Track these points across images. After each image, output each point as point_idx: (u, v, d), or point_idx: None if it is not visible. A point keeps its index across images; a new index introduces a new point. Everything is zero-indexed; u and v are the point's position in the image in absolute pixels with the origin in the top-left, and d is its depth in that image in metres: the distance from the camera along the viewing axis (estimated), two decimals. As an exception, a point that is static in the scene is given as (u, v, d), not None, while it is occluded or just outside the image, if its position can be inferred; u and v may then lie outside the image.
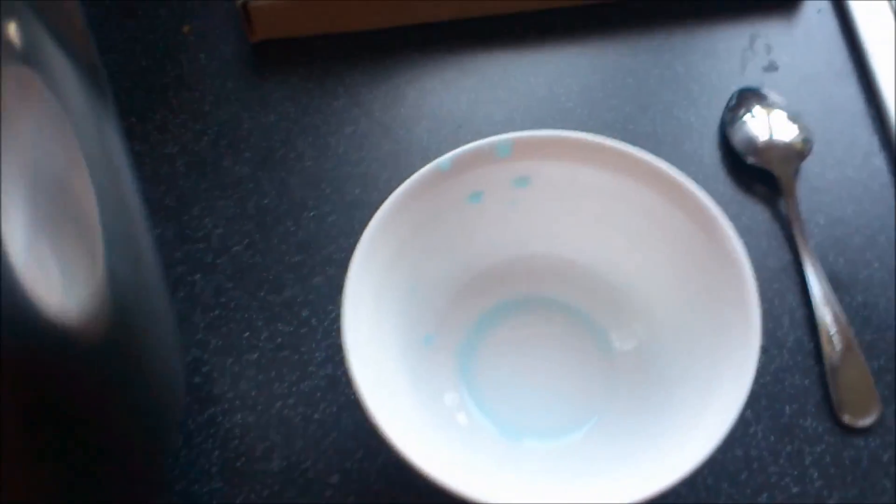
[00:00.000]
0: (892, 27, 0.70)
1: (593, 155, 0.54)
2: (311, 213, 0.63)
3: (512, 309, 0.58)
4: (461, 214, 0.56)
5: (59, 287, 0.28)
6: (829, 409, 0.55)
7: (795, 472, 0.53)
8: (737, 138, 0.65)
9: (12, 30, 0.24)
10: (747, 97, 0.67)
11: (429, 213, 0.54)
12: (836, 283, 0.59)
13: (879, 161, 0.65)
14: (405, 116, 0.68)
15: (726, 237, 0.51)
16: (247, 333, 0.59)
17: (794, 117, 0.66)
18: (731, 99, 0.67)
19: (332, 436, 0.55)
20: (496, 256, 0.58)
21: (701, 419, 0.47)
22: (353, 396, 0.56)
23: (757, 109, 0.66)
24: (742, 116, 0.66)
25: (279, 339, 0.58)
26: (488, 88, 0.69)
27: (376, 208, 0.52)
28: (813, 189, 0.63)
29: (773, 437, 0.54)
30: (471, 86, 0.69)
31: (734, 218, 0.62)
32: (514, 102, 0.68)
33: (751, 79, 0.69)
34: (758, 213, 0.62)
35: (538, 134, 0.55)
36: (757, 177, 0.64)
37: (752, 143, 0.64)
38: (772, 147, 0.64)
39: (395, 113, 0.68)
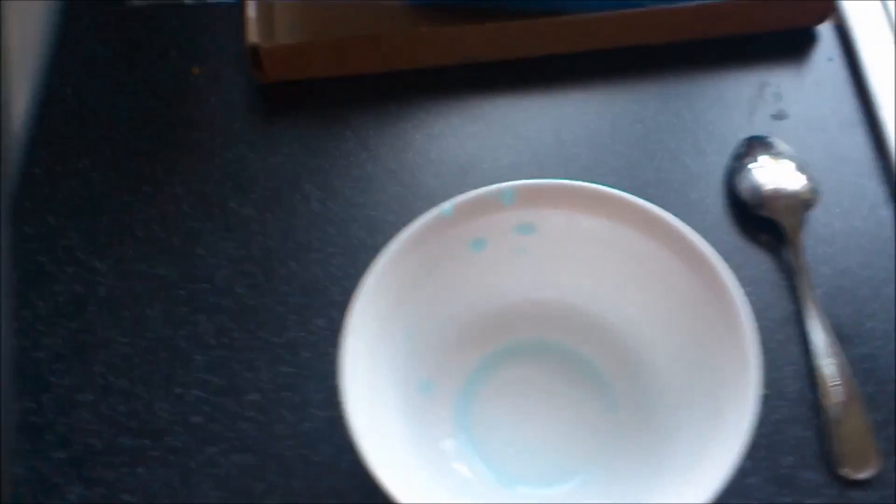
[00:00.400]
0: (902, 77, 0.70)
1: (596, 203, 0.55)
2: (316, 256, 0.63)
3: (512, 354, 0.58)
4: (464, 261, 0.56)
5: None
6: (829, 462, 0.54)
7: (794, 526, 0.53)
8: (742, 187, 0.65)
9: None
10: (755, 146, 0.67)
11: (431, 259, 0.54)
12: (840, 335, 0.59)
13: (886, 212, 0.64)
14: (412, 161, 0.68)
15: (726, 290, 0.50)
16: (248, 374, 0.59)
17: (801, 167, 0.65)
18: (738, 147, 0.67)
19: (330, 478, 0.55)
20: (498, 302, 0.58)
21: (698, 469, 0.47)
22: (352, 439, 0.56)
23: (764, 158, 0.66)
24: (748, 165, 0.65)
25: (280, 380, 0.58)
26: (495, 134, 0.69)
27: (380, 251, 0.52)
28: (819, 239, 0.63)
29: (771, 489, 0.54)
30: (477, 131, 0.70)
31: (738, 267, 0.61)
32: (521, 148, 0.69)
33: (759, 127, 0.69)
34: (762, 262, 0.62)
35: (541, 182, 0.55)
36: (762, 226, 0.63)
37: (757, 193, 0.64)
38: (778, 196, 0.64)
39: (401, 157, 0.68)
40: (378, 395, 0.50)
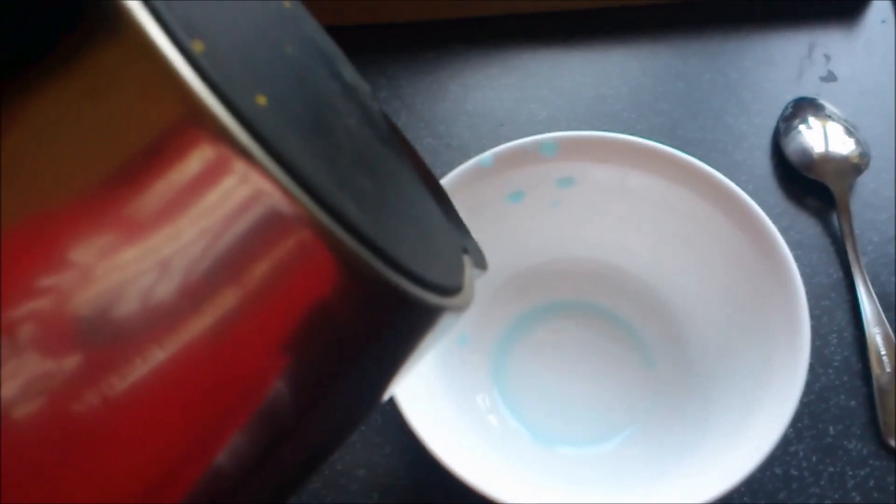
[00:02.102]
0: (956, 43, 0.68)
1: (642, 159, 0.53)
2: (347, 204, 0.61)
3: (550, 312, 0.56)
4: (502, 213, 0.54)
5: None
6: (876, 431, 0.53)
7: (837, 495, 0.51)
8: (790, 149, 0.63)
9: None
10: (803, 107, 0.65)
11: (468, 210, 0.52)
12: (888, 304, 0.57)
13: (938, 180, 0.62)
14: (446, 111, 0.66)
15: (778, 250, 0.49)
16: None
17: (851, 130, 0.63)
18: (786, 108, 0.65)
19: (361, 430, 0.53)
20: (536, 258, 0.56)
21: (742, 436, 0.45)
22: (381, 393, 0.54)
23: (813, 120, 0.64)
24: (797, 127, 0.63)
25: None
26: (533, 87, 0.67)
27: (414, 201, 0.50)
28: (867, 205, 0.61)
29: (814, 458, 0.52)
30: (515, 83, 0.68)
31: (784, 231, 0.59)
32: (560, 102, 0.67)
33: (807, 88, 0.67)
34: (809, 227, 0.60)
35: (585, 134, 0.53)
36: (810, 190, 0.61)
37: (806, 155, 0.62)
38: (827, 160, 0.62)
39: (436, 107, 0.66)
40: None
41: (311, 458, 0.27)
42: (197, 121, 0.19)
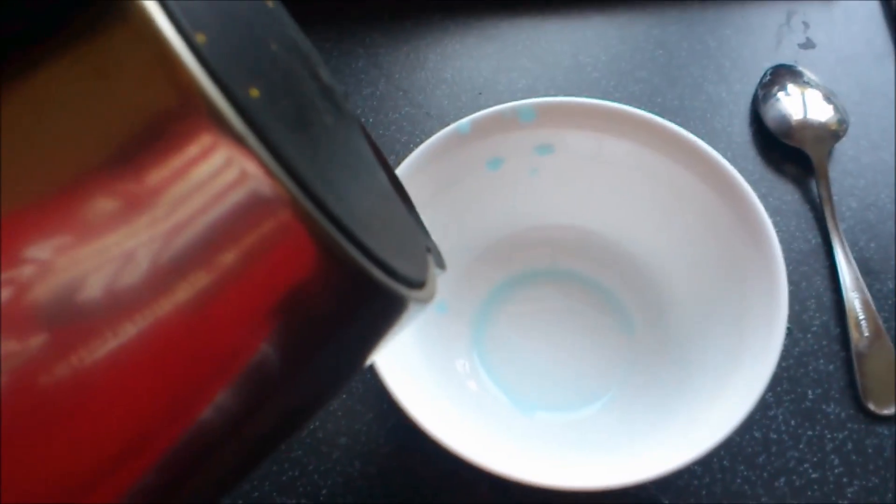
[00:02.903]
0: (934, 10, 0.68)
1: (621, 125, 0.52)
2: (325, 173, 0.61)
3: (529, 280, 0.56)
4: (480, 180, 0.54)
5: None
6: (854, 395, 0.53)
7: (815, 458, 0.51)
8: (769, 116, 0.62)
9: None
10: (782, 74, 0.65)
11: (446, 177, 0.52)
12: (866, 269, 0.57)
13: (916, 146, 0.62)
14: (425, 80, 0.66)
15: (757, 216, 0.48)
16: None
17: (829, 97, 0.63)
18: (764, 75, 0.65)
19: (342, 398, 0.53)
20: (515, 225, 0.56)
21: (720, 399, 0.45)
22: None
23: (791, 87, 0.64)
24: (776, 94, 0.63)
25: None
26: (512, 56, 0.67)
27: (394, 169, 0.50)
28: (845, 172, 0.61)
29: (793, 422, 0.52)
30: (494, 52, 0.67)
31: (763, 197, 0.59)
32: (538, 71, 0.66)
33: (786, 56, 0.67)
34: (787, 193, 0.60)
35: (563, 100, 0.53)
36: (788, 156, 0.61)
37: (785, 122, 0.62)
38: (805, 126, 0.62)
39: (414, 76, 0.66)
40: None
41: (283, 427, 0.28)
42: (195, 106, 0.21)
